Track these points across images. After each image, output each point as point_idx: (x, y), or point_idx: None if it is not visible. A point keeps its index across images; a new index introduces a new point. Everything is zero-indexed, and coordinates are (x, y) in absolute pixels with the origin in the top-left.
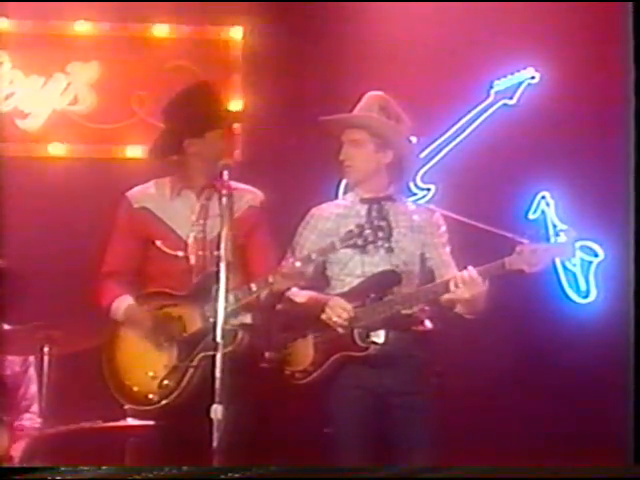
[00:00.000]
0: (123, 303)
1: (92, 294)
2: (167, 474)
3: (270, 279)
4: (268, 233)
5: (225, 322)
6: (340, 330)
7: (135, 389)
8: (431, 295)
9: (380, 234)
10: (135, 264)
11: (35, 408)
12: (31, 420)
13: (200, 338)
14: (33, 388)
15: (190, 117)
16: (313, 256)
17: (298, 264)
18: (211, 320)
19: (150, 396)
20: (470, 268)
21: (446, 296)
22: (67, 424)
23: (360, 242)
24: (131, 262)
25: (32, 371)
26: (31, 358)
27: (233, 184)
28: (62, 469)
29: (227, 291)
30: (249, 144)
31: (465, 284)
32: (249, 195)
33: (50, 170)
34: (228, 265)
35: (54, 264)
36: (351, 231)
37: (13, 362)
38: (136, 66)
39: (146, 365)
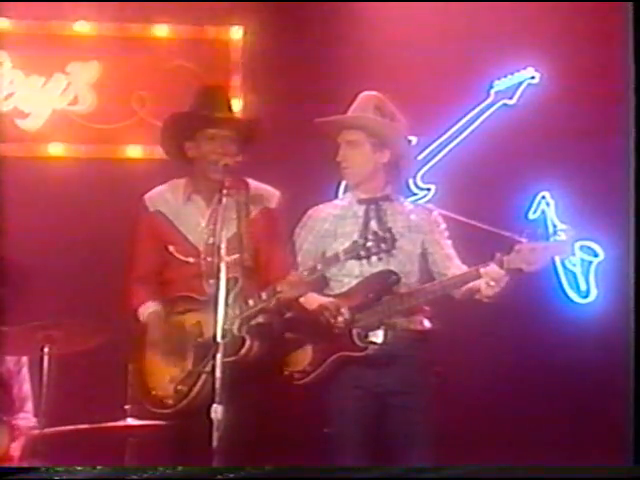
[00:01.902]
0: (148, 309)
1: (92, 294)
2: (161, 474)
3: (278, 288)
4: (281, 235)
5: (238, 330)
6: (336, 332)
7: (153, 392)
8: (450, 288)
9: (383, 246)
10: (160, 267)
11: (29, 407)
12: (25, 420)
13: (213, 343)
14: (27, 387)
15: (181, 120)
16: (319, 267)
17: (305, 273)
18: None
19: (165, 400)
20: (492, 265)
21: (473, 286)
22: (67, 424)
23: (363, 253)
24: (156, 265)
25: (25, 370)
26: (24, 357)
27: (250, 182)
28: (57, 469)
29: (238, 298)
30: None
31: (495, 281)
32: (264, 195)
33: (50, 170)
34: (240, 270)
35: (54, 264)
36: (355, 242)
37: (7, 361)
38: (136, 66)
39: (167, 371)
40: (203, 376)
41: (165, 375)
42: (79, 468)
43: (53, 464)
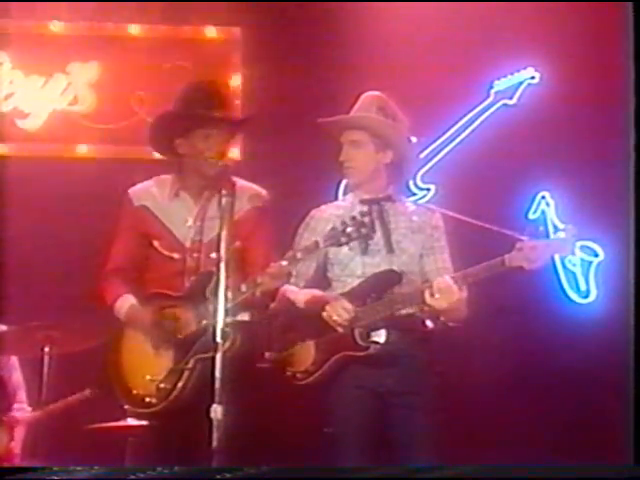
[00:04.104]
0: (126, 303)
1: (92, 294)
2: (159, 475)
3: (259, 280)
4: (270, 234)
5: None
6: (340, 330)
7: (134, 392)
8: (420, 297)
9: (363, 230)
10: (138, 262)
11: (22, 396)
12: (21, 410)
13: (194, 340)
14: (17, 375)
15: (174, 115)
16: (298, 255)
17: (284, 263)
18: (204, 322)
19: (147, 399)
20: (446, 277)
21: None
22: (67, 424)
23: (344, 239)
24: (134, 260)
25: (14, 359)
26: None
27: (238, 182)
28: (55, 469)
29: (218, 293)
30: (248, 145)
31: (441, 293)
32: (252, 194)
33: (50, 170)
34: (222, 267)
35: (54, 264)
36: (334, 228)
37: None
38: (136, 66)
39: (145, 368)
40: (185, 373)
41: (144, 374)
42: (78, 468)
43: (52, 464)
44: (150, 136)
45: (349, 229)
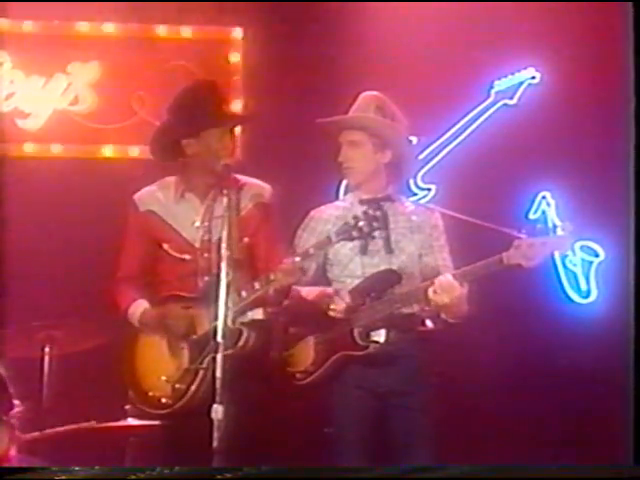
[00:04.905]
0: (139, 308)
1: (93, 294)
2: (159, 474)
3: (272, 276)
4: (276, 229)
5: (233, 322)
6: (336, 315)
7: (150, 394)
8: (421, 295)
9: (375, 224)
10: (148, 267)
11: (9, 389)
12: (15, 405)
13: (208, 339)
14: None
15: (183, 116)
16: (311, 251)
17: (298, 259)
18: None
19: (163, 400)
20: (447, 274)
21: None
22: (67, 424)
23: (355, 234)
24: (144, 265)
25: None
26: None
27: (241, 178)
28: (55, 469)
29: (230, 291)
30: (249, 144)
31: (442, 289)
32: (256, 190)
33: (50, 170)
34: (233, 265)
35: (54, 264)
36: (346, 223)
37: None
38: (136, 66)
39: (160, 370)
40: (200, 373)
41: (160, 375)
42: (79, 468)
43: (53, 464)
44: (155, 141)
45: (361, 223)
